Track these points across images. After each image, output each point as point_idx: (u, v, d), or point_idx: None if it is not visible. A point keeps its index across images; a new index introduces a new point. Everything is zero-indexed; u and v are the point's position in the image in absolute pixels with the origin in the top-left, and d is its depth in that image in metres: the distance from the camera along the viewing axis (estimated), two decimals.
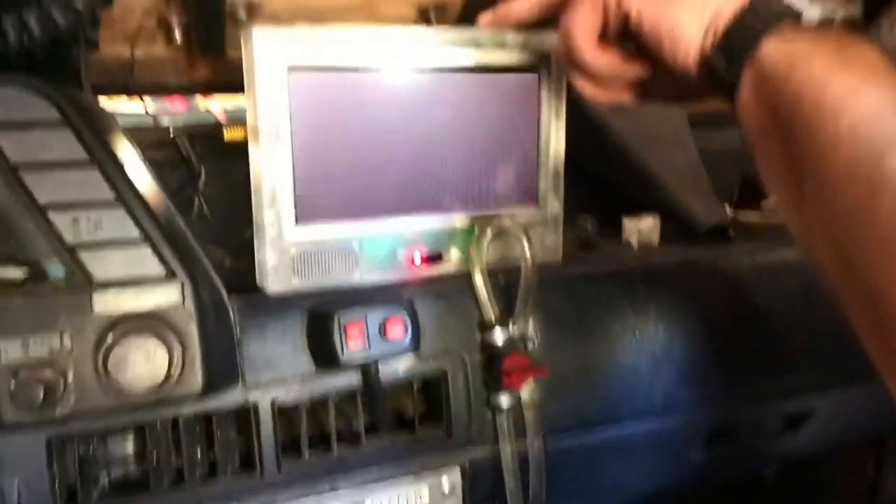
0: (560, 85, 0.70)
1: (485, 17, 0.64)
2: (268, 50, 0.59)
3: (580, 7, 0.54)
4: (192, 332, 0.55)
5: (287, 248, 0.63)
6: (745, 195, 0.90)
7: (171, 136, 0.79)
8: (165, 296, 0.55)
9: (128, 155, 0.57)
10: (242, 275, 0.64)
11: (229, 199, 0.77)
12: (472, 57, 0.66)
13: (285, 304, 0.62)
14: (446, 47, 0.65)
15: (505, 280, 0.69)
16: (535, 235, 0.71)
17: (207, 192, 0.84)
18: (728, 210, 0.87)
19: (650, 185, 0.84)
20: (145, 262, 0.55)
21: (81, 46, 0.68)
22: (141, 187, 0.57)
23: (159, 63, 0.92)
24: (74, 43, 0.63)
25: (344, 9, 0.86)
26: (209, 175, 0.85)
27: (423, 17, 0.94)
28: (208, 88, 0.97)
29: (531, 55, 0.68)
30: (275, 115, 0.61)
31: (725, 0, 0.48)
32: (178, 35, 0.87)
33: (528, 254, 0.64)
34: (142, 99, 0.88)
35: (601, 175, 0.89)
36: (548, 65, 0.69)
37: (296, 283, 0.63)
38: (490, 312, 0.66)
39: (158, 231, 0.56)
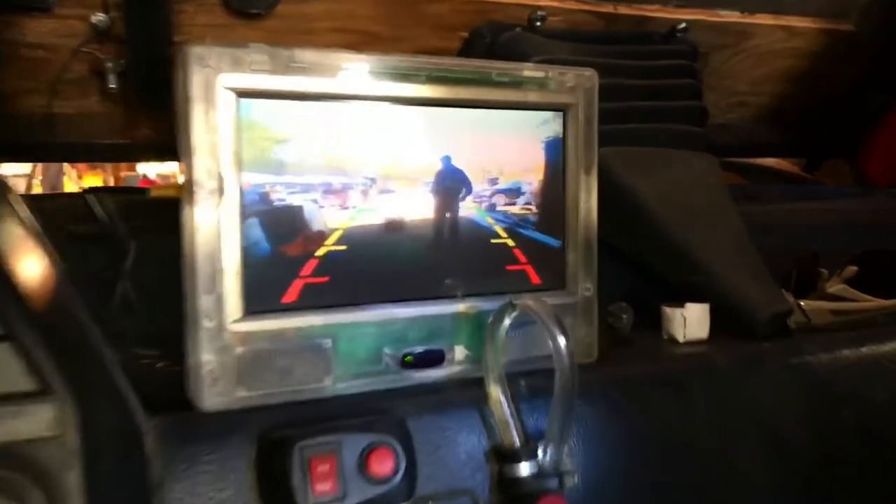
0: (591, 129, 0.56)
1: None
2: (209, 72, 0.44)
3: None
4: (72, 480, 0.37)
5: (231, 345, 0.49)
6: (804, 278, 0.75)
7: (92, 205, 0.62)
8: (32, 423, 0.37)
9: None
10: (176, 385, 0.50)
11: (169, 286, 0.60)
12: (479, 92, 0.54)
13: (226, 426, 0.48)
14: (443, 79, 0.52)
15: (528, 388, 0.54)
16: None
17: (141, 276, 0.67)
18: (788, 297, 0.72)
19: (692, 266, 0.69)
20: (6, 371, 0.37)
21: None
22: (13, 262, 0.39)
23: (89, 119, 0.77)
24: None
25: None
26: (143, 256, 0.67)
27: None
28: (149, 150, 0.81)
29: (554, 91, 0.55)
30: (217, 160, 0.45)
31: None
32: (113, 84, 0.72)
33: (564, 349, 0.47)
34: (64, 162, 0.71)
35: (630, 254, 0.74)
36: (574, 104, 0.56)
37: (242, 397, 0.49)
38: (512, 435, 0.51)
39: (30, 326, 0.38)
